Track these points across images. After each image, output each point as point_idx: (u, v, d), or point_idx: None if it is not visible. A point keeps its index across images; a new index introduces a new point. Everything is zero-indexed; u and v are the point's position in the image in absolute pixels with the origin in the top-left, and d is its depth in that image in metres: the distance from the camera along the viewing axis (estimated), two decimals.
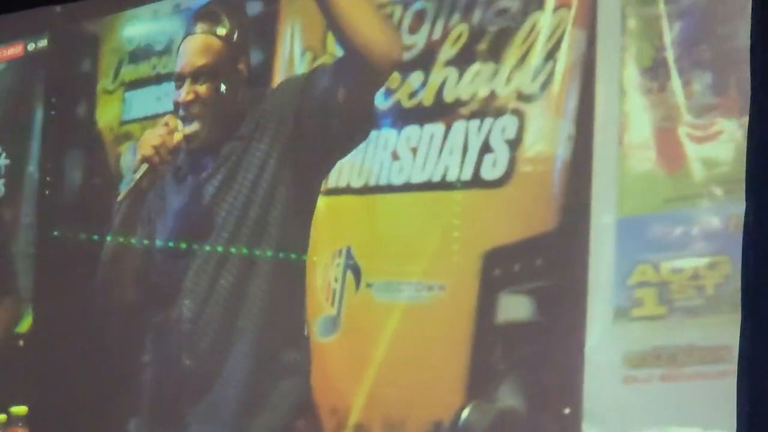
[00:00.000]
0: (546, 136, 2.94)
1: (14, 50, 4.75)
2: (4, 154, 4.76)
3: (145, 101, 4.23)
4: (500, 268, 3.01)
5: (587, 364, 2.80)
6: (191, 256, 3.18)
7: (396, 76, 3.34)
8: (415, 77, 3.28)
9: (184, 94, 2.82)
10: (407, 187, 3.26)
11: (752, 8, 2.48)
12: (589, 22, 2.88)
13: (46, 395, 4.15)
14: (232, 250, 3.09)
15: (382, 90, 3.38)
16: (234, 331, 3.15)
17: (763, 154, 2.41)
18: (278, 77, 3.67)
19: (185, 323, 3.08)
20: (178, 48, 3.15)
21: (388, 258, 3.28)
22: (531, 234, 2.95)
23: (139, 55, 4.27)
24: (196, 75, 2.81)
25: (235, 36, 2.79)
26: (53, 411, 4.11)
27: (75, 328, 4.10)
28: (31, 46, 4.68)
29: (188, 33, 3.07)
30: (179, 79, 2.90)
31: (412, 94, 3.29)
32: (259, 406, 3.25)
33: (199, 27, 2.91)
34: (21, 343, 4.38)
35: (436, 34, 3.25)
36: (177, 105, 2.86)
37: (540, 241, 2.93)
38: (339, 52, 3.22)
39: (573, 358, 2.83)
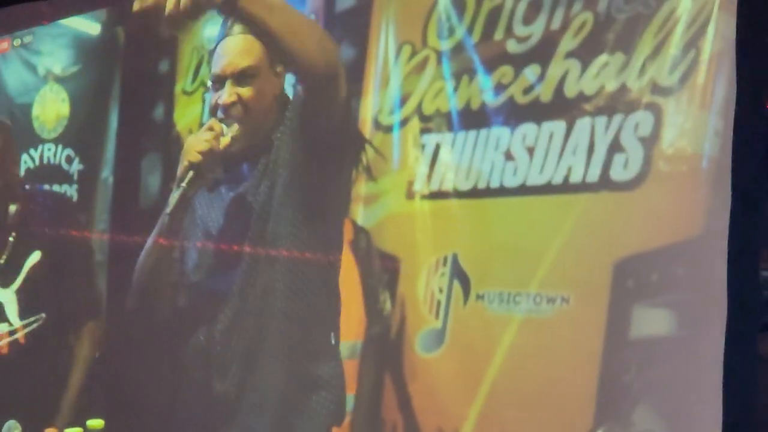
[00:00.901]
0: (689, 132, 2.62)
1: (0, 46, 4.60)
2: (78, 159, 4.55)
3: None
4: (634, 279, 2.69)
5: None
6: (237, 264, 2.91)
7: (508, 69, 3.05)
8: (531, 71, 2.98)
9: (226, 96, 2.59)
10: (523, 190, 2.96)
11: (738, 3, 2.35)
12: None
13: (123, 408, 3.91)
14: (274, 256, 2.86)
15: (492, 85, 3.08)
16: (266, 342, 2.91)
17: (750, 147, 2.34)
18: (372, 74, 3.41)
19: (219, 338, 2.84)
20: (214, 49, 2.88)
21: (501, 267, 2.98)
22: (671, 240, 2.63)
23: None
24: (239, 77, 2.58)
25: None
26: (130, 424, 3.86)
27: (147, 338, 3.86)
28: (17, 42, 4.58)
29: (227, 34, 2.82)
30: (218, 80, 2.66)
31: (527, 89, 2.98)
32: (295, 420, 2.98)
33: (239, 28, 2.67)
34: (96, 354, 4.17)
35: (555, 24, 2.95)
36: (216, 107, 2.63)
37: (681, 248, 2.61)
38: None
39: (716, 378, 2.50)
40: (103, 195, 4.48)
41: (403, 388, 3.15)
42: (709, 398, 2.53)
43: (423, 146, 3.24)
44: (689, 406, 2.57)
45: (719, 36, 2.58)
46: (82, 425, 3.98)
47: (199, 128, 4.13)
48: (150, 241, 2.90)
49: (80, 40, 4.67)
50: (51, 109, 4.69)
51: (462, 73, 3.17)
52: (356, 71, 3.44)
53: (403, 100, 3.34)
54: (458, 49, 3.19)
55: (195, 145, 2.72)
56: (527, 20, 3.01)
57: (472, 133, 3.12)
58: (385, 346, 3.21)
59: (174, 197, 2.82)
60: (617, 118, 2.75)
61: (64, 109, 4.66)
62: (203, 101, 4.11)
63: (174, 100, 4.26)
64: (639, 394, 2.65)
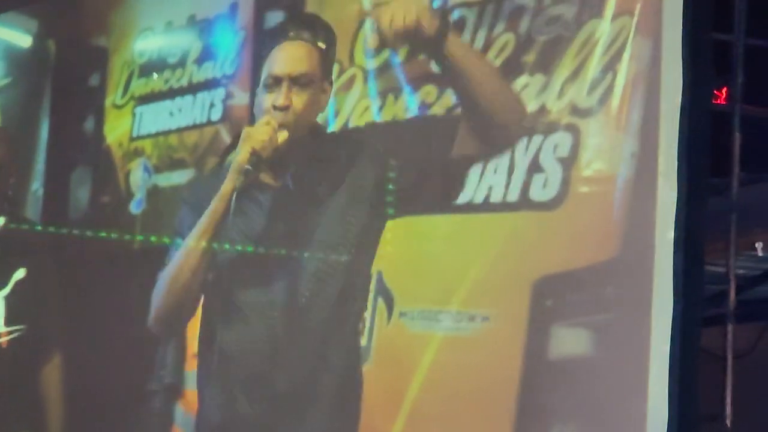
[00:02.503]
0: (605, 153, 2.63)
1: None
2: None
3: (157, 116, 3.98)
4: (553, 298, 2.69)
5: (650, 404, 2.47)
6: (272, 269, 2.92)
7: (432, 89, 3.04)
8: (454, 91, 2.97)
9: (282, 98, 2.63)
10: (446, 209, 2.94)
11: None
12: (654, 30, 2.56)
13: (56, 422, 3.83)
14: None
15: (416, 103, 3.08)
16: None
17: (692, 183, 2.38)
18: None
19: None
20: (270, 51, 2.88)
21: (424, 284, 2.97)
22: (589, 261, 2.63)
23: (151, 68, 4.02)
24: (295, 81, 2.61)
25: (330, 52, 2.66)
26: None
27: (83, 351, 3.81)
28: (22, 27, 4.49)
29: (287, 38, 2.83)
30: (276, 82, 2.67)
31: (451, 109, 2.97)
32: None
33: (301, 34, 2.71)
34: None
35: (478, 44, 2.94)
36: (274, 108, 2.65)
37: (599, 268, 2.61)
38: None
39: (637, 399, 2.50)
40: (34, 207, 4.43)
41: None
42: (631, 418, 2.53)
43: None
44: (608, 427, 2.57)
45: (635, 59, 2.59)
46: None
47: (129, 142, 4.10)
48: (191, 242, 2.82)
49: (11, 52, 4.63)
50: None
51: (388, 91, 3.16)
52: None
53: (334, 116, 3.33)
54: (384, 68, 3.18)
55: (257, 133, 2.70)
56: None
57: None
58: None
59: (229, 186, 2.76)
60: (537, 139, 2.75)
61: None
62: (133, 115, 4.08)
63: (104, 113, 4.22)
64: (557, 414, 2.65)
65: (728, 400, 2.61)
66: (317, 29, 2.86)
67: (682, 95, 2.40)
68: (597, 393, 2.59)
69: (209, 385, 2.97)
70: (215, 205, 2.82)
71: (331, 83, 2.94)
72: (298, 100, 2.73)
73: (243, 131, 2.85)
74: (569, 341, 2.64)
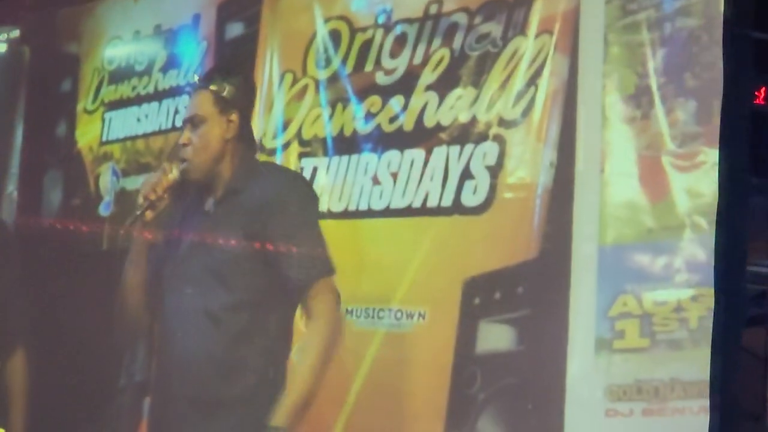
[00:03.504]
0: (527, 162, 2.87)
1: None
2: None
3: (125, 122, 4.19)
4: (480, 297, 2.92)
5: (569, 397, 2.72)
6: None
7: (376, 99, 3.27)
8: (396, 101, 3.21)
9: (184, 138, 2.94)
10: (387, 213, 3.18)
11: (723, 37, 2.44)
12: (571, 48, 2.81)
13: (26, 418, 4.04)
14: None
15: (362, 113, 3.31)
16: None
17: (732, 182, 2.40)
18: (258, 100, 3.59)
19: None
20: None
21: (368, 284, 3.20)
22: (512, 262, 2.87)
23: (119, 75, 4.22)
24: (191, 122, 2.91)
25: (225, 92, 2.91)
26: None
27: (54, 349, 4.00)
28: (2, 36, 4.63)
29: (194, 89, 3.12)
30: (183, 124, 3.01)
31: (393, 119, 3.21)
32: None
33: (203, 84, 3.03)
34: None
35: (417, 59, 3.18)
36: (183, 145, 2.91)
37: (521, 269, 2.84)
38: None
39: (554, 389, 2.75)
40: (8, 208, 4.62)
41: None
42: (546, 408, 2.77)
43: (302, 169, 3.45)
44: (527, 415, 2.81)
45: (554, 75, 2.82)
46: None
47: (99, 146, 4.31)
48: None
49: None
50: None
51: (337, 101, 3.38)
52: None
53: (285, 125, 3.55)
54: (334, 78, 3.41)
55: (149, 180, 2.97)
56: (393, 54, 3.23)
57: (345, 158, 3.34)
58: None
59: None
60: (468, 148, 2.99)
61: None
62: (103, 120, 4.29)
63: (76, 118, 4.42)
64: (483, 404, 2.88)
65: None
66: (209, 78, 3.03)
67: (723, 95, 2.46)
68: (520, 383, 2.83)
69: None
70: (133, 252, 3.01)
71: (237, 114, 2.97)
72: (195, 137, 2.92)
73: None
74: (494, 336, 2.88)
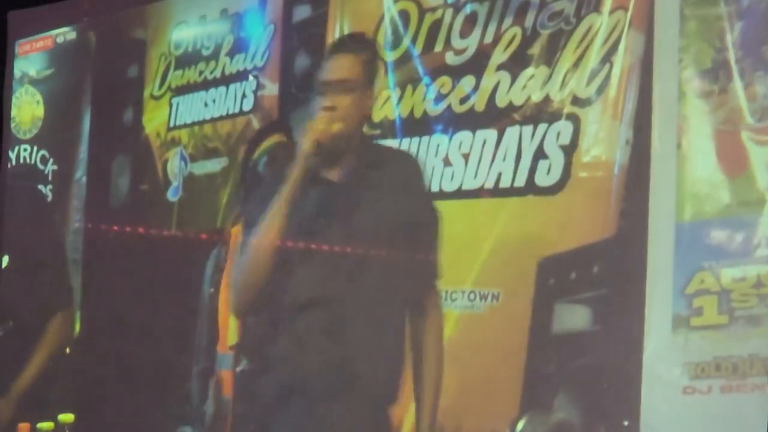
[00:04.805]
0: (603, 140, 2.91)
1: (44, 42, 4.80)
2: (52, 160, 4.80)
3: (192, 107, 4.28)
4: (555, 277, 2.97)
5: (645, 375, 2.77)
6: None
7: (447, 80, 3.33)
8: (467, 81, 3.26)
9: (330, 101, 3.12)
10: (459, 194, 3.24)
11: None
12: (646, 24, 2.84)
13: (94, 402, 4.17)
14: None
15: (433, 94, 3.37)
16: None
17: None
18: None
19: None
20: (322, 63, 3.32)
21: (443, 266, 3.25)
22: (587, 241, 2.91)
23: (186, 60, 4.31)
24: (340, 86, 3.11)
25: (373, 62, 3.17)
26: (101, 418, 4.12)
27: (121, 334, 4.13)
28: (60, 39, 4.74)
29: (336, 52, 3.32)
30: (326, 87, 3.17)
31: (464, 99, 3.26)
32: None
33: (347, 48, 3.25)
34: (68, 350, 4.41)
35: (488, 38, 3.22)
36: (324, 109, 3.11)
37: (597, 248, 2.89)
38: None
39: (631, 368, 2.79)
40: (77, 195, 4.74)
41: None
42: (623, 387, 2.82)
43: None
44: (603, 394, 2.86)
45: (630, 52, 2.86)
46: (54, 419, 4.24)
47: (166, 132, 4.41)
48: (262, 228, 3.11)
49: (54, 44, 4.92)
50: (26, 110, 4.94)
51: (406, 82, 3.44)
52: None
53: None
54: (403, 60, 3.47)
55: (317, 125, 3.09)
56: (463, 34, 3.28)
57: (415, 140, 3.39)
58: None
59: (296, 172, 3.06)
60: (542, 127, 3.03)
61: (38, 110, 4.90)
62: (170, 105, 4.39)
63: (143, 103, 4.52)
64: (559, 384, 2.94)
65: None
66: (360, 45, 3.20)
67: None
68: (596, 362, 2.88)
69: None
70: (284, 191, 3.10)
71: (372, 91, 3.20)
72: (342, 102, 3.04)
73: (304, 128, 3.16)
74: (569, 316, 2.93)
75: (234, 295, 3.32)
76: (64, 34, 4.72)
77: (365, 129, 3.36)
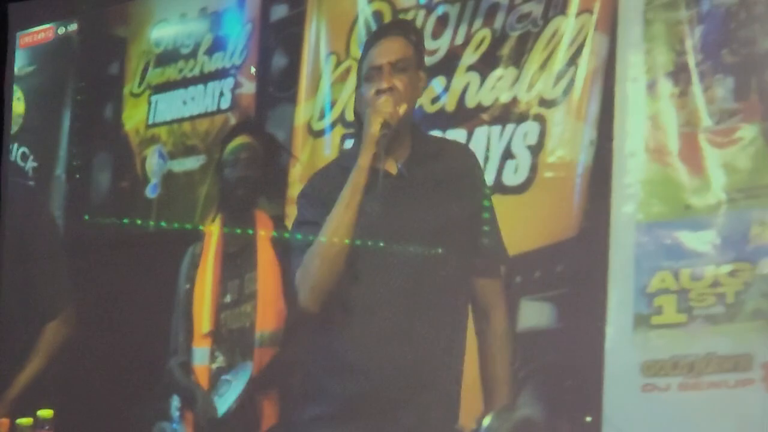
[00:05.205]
0: (568, 141, 2.98)
1: (45, 34, 4.83)
2: (32, 157, 4.84)
3: (171, 105, 4.32)
4: (521, 275, 3.04)
5: (607, 372, 2.83)
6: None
7: None
8: (438, 82, 3.32)
9: (385, 82, 3.08)
10: None
11: None
12: (611, 27, 2.91)
13: (73, 399, 4.22)
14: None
15: None
16: None
17: None
18: (304, 82, 3.74)
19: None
20: (368, 51, 3.26)
21: None
22: (552, 241, 2.98)
23: (165, 58, 4.35)
24: (393, 67, 3.09)
25: (420, 47, 3.16)
26: (79, 414, 4.17)
27: (100, 331, 4.18)
28: (61, 30, 4.74)
29: (382, 37, 3.28)
30: (378, 71, 3.13)
31: (435, 99, 3.33)
32: None
33: (394, 32, 3.24)
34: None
35: (459, 39, 3.28)
36: (378, 92, 3.08)
37: (561, 247, 2.96)
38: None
39: (593, 365, 2.86)
40: (58, 192, 4.78)
41: None
42: (586, 383, 2.88)
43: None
44: (566, 391, 2.92)
45: (594, 54, 2.93)
46: (33, 415, 4.29)
47: (145, 129, 4.46)
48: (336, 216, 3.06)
49: (36, 41, 4.95)
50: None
51: None
52: (289, 79, 3.80)
53: (330, 107, 3.68)
54: None
55: (383, 107, 3.03)
56: (435, 35, 3.35)
57: None
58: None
59: (366, 158, 3.01)
60: (509, 128, 3.10)
61: (19, 107, 4.93)
62: (149, 103, 4.44)
63: (123, 101, 4.57)
64: (524, 381, 3.00)
65: None
66: (406, 28, 3.24)
67: None
68: (559, 360, 2.95)
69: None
70: (355, 178, 3.06)
71: (425, 73, 3.19)
72: (399, 82, 3.06)
73: (370, 109, 3.08)
74: (535, 314, 3.00)
75: (307, 295, 3.16)
76: (66, 25, 4.75)
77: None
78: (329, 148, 3.63)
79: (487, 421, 3.02)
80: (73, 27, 4.74)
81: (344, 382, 3.10)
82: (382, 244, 3.08)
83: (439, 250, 3.06)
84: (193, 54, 4.25)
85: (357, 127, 3.31)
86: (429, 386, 3.06)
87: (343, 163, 3.24)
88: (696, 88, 2.69)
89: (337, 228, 3.07)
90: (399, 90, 3.04)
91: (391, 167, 3.11)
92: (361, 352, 3.10)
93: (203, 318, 3.85)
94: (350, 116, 3.59)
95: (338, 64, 3.67)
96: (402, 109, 3.06)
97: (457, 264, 3.05)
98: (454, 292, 3.08)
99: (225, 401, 3.69)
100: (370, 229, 3.08)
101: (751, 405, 2.57)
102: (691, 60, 2.70)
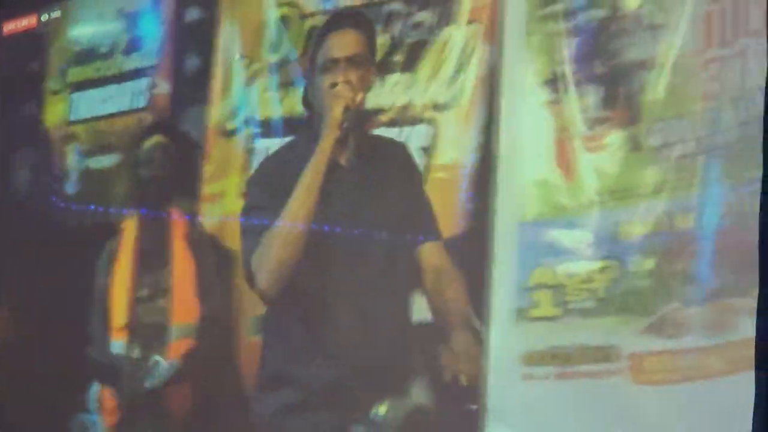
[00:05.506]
0: (456, 144, 3.16)
1: (29, 21, 4.86)
2: None
3: (90, 103, 4.41)
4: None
5: (491, 363, 3.01)
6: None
7: None
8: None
9: (342, 76, 3.19)
10: None
11: None
12: (497, 37, 3.09)
13: None
14: None
15: None
16: None
17: None
18: (217, 84, 3.88)
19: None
20: (323, 41, 3.33)
21: None
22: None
23: (84, 57, 4.44)
24: (349, 61, 3.20)
25: (372, 41, 3.25)
26: None
27: (19, 325, 4.30)
28: (44, 17, 4.71)
29: (337, 29, 3.34)
30: (334, 64, 3.23)
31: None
32: None
33: (348, 25, 3.29)
34: None
35: None
36: (333, 86, 3.20)
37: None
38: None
39: (478, 356, 3.04)
40: None
41: (236, 364, 3.63)
42: (471, 372, 3.06)
43: (256, 150, 3.73)
44: (454, 380, 3.09)
45: (482, 62, 3.12)
46: None
47: (65, 126, 4.55)
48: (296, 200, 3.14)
49: None
50: None
51: (287, 84, 3.66)
52: (201, 80, 3.93)
53: (241, 108, 3.83)
54: (284, 62, 3.68)
55: (344, 92, 3.13)
56: None
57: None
58: (220, 329, 3.70)
59: (328, 142, 3.09)
60: (405, 130, 3.28)
61: None
62: (69, 100, 4.53)
63: (44, 98, 4.66)
64: (415, 370, 3.18)
65: None
66: (361, 21, 3.31)
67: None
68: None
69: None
70: (317, 161, 3.15)
71: (375, 69, 3.29)
72: (354, 77, 3.17)
73: (330, 95, 3.19)
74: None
75: (266, 279, 3.21)
76: (49, 13, 4.81)
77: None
78: (240, 148, 3.77)
79: (382, 410, 3.17)
80: (57, 14, 4.75)
81: (311, 369, 3.19)
82: (339, 230, 3.22)
83: (389, 236, 3.20)
84: (111, 53, 4.33)
85: (308, 116, 3.40)
86: (393, 368, 3.17)
87: (297, 149, 3.35)
88: (571, 96, 2.88)
89: (297, 211, 3.16)
90: (354, 84, 3.16)
91: (342, 158, 3.24)
92: (326, 339, 3.21)
93: (120, 312, 3.95)
94: (260, 116, 3.74)
95: (249, 65, 3.81)
96: (359, 98, 3.20)
97: (408, 251, 3.16)
98: (406, 277, 3.20)
99: (150, 380, 3.80)
100: (328, 214, 3.21)
101: (619, 393, 2.75)
102: (567, 70, 2.89)
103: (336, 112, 3.15)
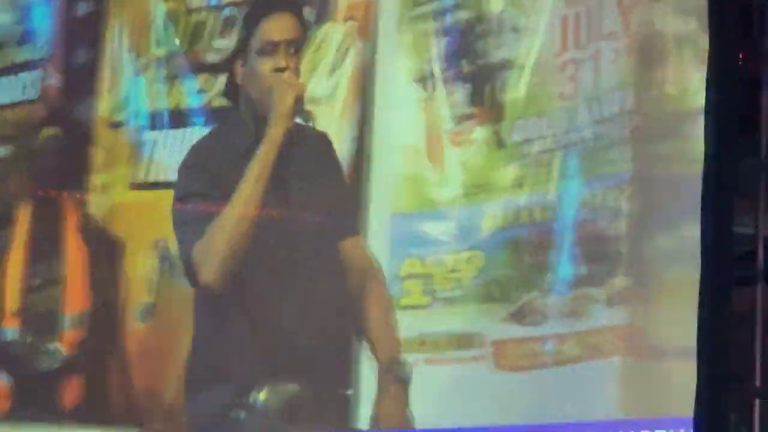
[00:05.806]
0: (334, 137, 3.26)
1: None
2: None
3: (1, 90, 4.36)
4: None
5: (365, 350, 3.13)
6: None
7: (207, 76, 3.63)
8: (224, 78, 3.55)
9: (283, 61, 3.18)
10: None
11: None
12: (371, 35, 3.21)
13: None
14: None
15: (196, 89, 3.66)
16: None
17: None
18: (105, 76, 3.94)
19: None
20: (260, 23, 3.31)
21: None
22: None
23: None
24: (290, 45, 3.20)
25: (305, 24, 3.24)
26: None
27: None
28: None
29: (275, 10, 3.32)
30: (274, 48, 3.22)
31: (219, 95, 3.56)
32: None
33: (285, 7, 3.29)
34: None
35: None
36: (275, 71, 3.19)
37: None
38: None
39: (354, 343, 3.16)
40: None
41: (123, 351, 3.70)
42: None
43: (144, 142, 3.80)
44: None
45: (357, 58, 3.23)
46: None
47: None
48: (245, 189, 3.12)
49: None
50: None
51: (173, 77, 3.74)
52: (91, 72, 3.99)
53: (129, 101, 3.89)
54: (170, 56, 3.76)
55: (293, 81, 3.13)
56: (223, 34, 3.59)
57: (180, 132, 3.70)
58: (111, 317, 3.77)
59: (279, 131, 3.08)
60: None
61: None
62: None
63: None
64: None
65: (757, 360, 2.60)
66: (293, 4, 3.31)
67: (708, 60, 2.56)
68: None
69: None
70: (265, 151, 3.11)
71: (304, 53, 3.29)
72: (293, 63, 3.19)
73: (278, 83, 3.16)
74: None
75: (212, 270, 3.16)
76: None
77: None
78: (128, 140, 3.84)
79: (262, 395, 3.27)
80: None
81: (253, 362, 3.24)
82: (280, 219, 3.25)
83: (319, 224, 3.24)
84: (2, 45, 4.37)
85: (233, 99, 3.38)
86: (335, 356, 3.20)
87: (227, 137, 3.35)
88: (440, 93, 3.01)
89: (247, 200, 3.14)
90: (293, 71, 3.17)
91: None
92: (266, 330, 3.25)
93: (12, 299, 4.01)
94: (148, 109, 3.81)
95: (137, 58, 3.88)
96: (304, 87, 3.22)
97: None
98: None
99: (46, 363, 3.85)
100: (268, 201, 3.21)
101: (484, 378, 2.89)
102: (437, 68, 3.01)
103: (287, 101, 3.13)
